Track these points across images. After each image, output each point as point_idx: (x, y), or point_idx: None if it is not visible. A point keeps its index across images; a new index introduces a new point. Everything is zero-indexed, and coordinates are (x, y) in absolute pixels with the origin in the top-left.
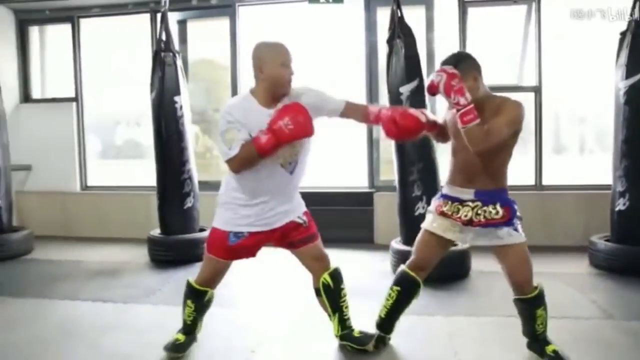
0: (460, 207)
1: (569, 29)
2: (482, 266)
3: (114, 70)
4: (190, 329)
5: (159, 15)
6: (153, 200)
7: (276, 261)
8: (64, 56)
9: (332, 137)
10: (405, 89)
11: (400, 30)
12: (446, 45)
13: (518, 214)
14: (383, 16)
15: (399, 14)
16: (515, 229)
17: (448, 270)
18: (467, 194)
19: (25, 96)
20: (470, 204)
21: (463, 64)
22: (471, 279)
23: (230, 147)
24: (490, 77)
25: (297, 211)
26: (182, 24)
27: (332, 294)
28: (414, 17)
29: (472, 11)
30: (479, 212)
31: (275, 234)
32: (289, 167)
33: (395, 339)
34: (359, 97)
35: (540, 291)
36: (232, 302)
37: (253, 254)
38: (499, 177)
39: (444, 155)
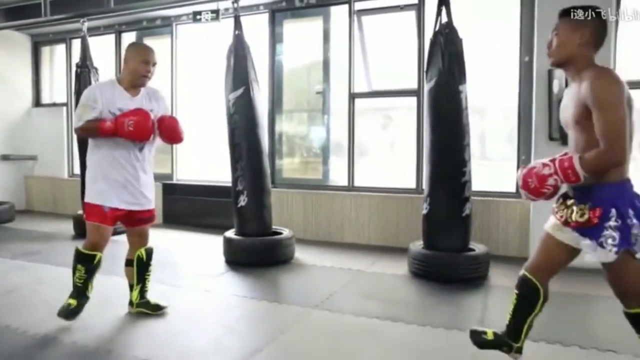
0: (564, 203)
1: None
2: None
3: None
4: (81, 292)
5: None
6: None
7: None
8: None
9: None
10: (232, 96)
11: (235, 44)
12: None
13: (629, 221)
14: (288, 29)
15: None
16: (603, 245)
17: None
18: (568, 187)
19: (37, 101)
20: (569, 200)
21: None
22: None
23: (80, 119)
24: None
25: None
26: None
27: (142, 267)
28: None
29: (365, 19)
30: (572, 210)
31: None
32: (138, 144)
33: None
34: None
35: None
36: None
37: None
38: None
39: None
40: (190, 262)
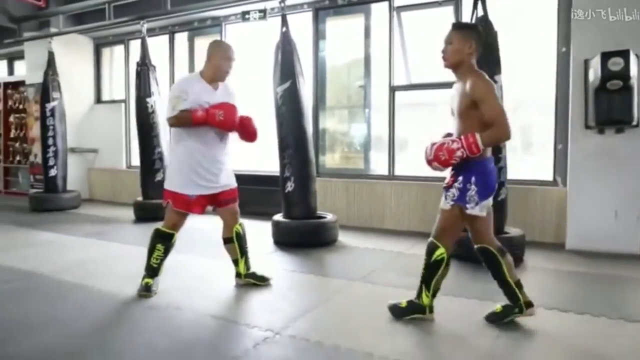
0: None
1: None
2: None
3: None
4: (156, 272)
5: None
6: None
7: None
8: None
9: None
10: (280, 89)
11: (282, 40)
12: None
13: (468, 185)
14: (331, 26)
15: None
16: (446, 197)
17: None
18: None
19: (98, 98)
20: (451, 171)
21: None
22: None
23: (174, 108)
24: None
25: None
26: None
27: (242, 241)
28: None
29: (404, 15)
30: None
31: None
32: (221, 135)
33: None
34: None
35: (439, 254)
36: None
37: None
38: None
39: None
40: None
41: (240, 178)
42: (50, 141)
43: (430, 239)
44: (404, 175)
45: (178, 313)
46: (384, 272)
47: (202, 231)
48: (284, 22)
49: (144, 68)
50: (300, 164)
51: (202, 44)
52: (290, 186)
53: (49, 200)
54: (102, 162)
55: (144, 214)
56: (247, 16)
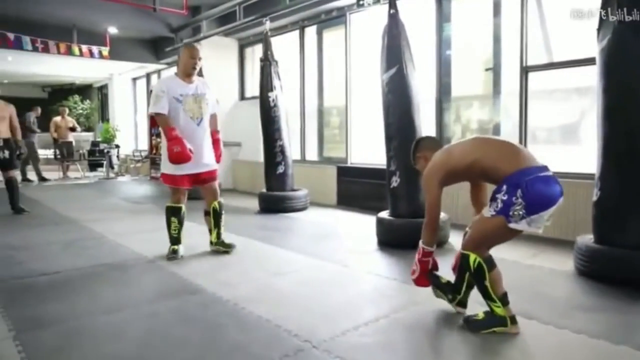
0: None
1: None
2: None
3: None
4: (178, 240)
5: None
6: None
7: None
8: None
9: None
10: (386, 76)
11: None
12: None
13: (514, 199)
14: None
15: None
16: (490, 205)
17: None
18: None
19: (242, 95)
20: None
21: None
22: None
23: (155, 104)
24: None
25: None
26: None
27: (217, 215)
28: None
29: None
30: None
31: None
32: (197, 120)
33: None
34: None
35: (472, 259)
36: None
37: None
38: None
39: None
40: (347, 239)
41: (364, 172)
42: None
43: (460, 250)
44: None
45: (233, 310)
46: None
47: (313, 224)
48: (392, 4)
49: (266, 63)
50: (407, 157)
51: (330, 36)
52: (395, 181)
53: (195, 189)
54: (245, 155)
55: (266, 205)
56: (361, 2)
